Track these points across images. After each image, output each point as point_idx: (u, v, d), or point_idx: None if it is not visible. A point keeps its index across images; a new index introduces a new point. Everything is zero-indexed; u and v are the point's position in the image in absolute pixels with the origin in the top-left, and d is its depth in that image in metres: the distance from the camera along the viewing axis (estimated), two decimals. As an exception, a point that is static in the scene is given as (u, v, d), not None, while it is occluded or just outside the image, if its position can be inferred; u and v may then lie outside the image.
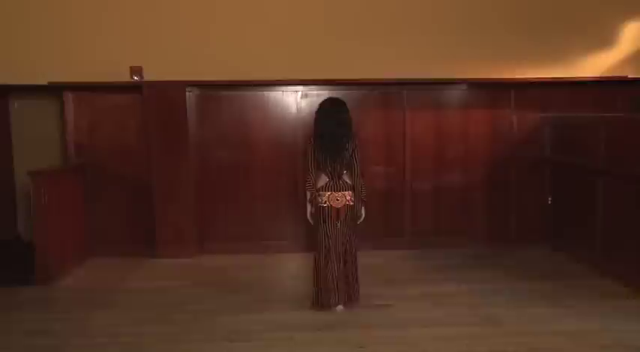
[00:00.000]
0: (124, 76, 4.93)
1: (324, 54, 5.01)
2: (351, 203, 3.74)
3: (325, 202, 3.72)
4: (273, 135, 5.26)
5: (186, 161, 5.11)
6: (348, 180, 3.75)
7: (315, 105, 5.37)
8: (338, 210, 3.72)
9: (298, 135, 5.22)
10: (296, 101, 5.26)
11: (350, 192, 3.73)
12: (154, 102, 5.02)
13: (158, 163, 5.08)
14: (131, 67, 4.93)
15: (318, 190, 3.75)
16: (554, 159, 5.23)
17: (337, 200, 3.71)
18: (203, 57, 4.96)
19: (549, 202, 5.30)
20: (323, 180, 3.74)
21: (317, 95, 5.19)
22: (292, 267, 4.91)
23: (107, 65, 4.87)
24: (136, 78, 4.94)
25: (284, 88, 5.22)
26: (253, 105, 5.24)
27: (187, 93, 5.09)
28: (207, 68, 4.94)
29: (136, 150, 5.15)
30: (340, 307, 3.77)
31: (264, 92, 5.23)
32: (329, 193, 3.71)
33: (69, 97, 5.10)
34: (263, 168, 5.28)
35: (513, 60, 5.13)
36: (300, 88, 5.23)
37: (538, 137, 5.33)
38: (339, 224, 3.73)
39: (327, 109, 3.73)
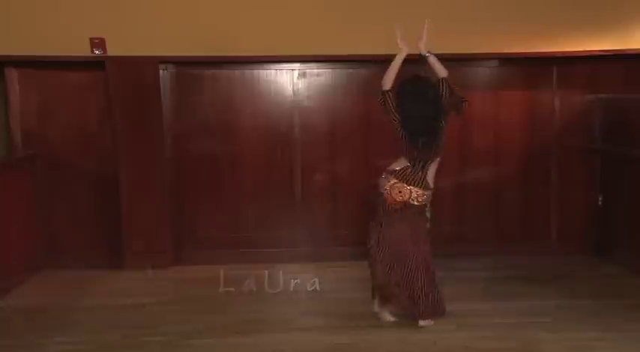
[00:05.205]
0: (82, 50, 4.84)
1: (326, 25, 4.94)
2: (416, 203, 3.71)
3: (386, 189, 3.72)
4: (265, 122, 5.26)
5: (160, 153, 5.09)
6: (428, 178, 3.73)
7: (315, 86, 5.35)
8: (395, 204, 3.72)
9: (294, 123, 5.22)
10: (292, 81, 5.25)
11: (421, 191, 3.70)
12: (120, 82, 4.98)
13: (125, 155, 5.05)
14: (91, 39, 4.84)
15: (386, 171, 3.78)
16: (606, 149, 5.19)
17: (399, 192, 3.70)
18: (180, 27, 4.88)
19: (599, 202, 5.25)
20: (401, 163, 3.75)
21: (317, 74, 5.22)
22: (287, 281, 4.78)
23: (61, 35, 4.79)
24: (97, 52, 4.87)
25: (278, 65, 5.21)
26: (241, 86, 5.23)
27: (161, 71, 5.07)
28: (186, 41, 4.87)
29: (97, 138, 5.12)
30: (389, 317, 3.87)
31: (254, 70, 5.21)
32: (394, 181, 3.70)
33: (13, 74, 5.05)
34: (252, 161, 5.27)
35: (555, 29, 5.03)
36: (297, 65, 5.22)
37: (586, 123, 5.31)
38: (396, 221, 3.73)
39: (412, 88, 3.74)
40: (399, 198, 3.70)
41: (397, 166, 3.75)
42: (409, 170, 3.71)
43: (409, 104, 3.70)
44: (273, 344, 3.60)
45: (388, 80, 3.79)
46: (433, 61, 3.75)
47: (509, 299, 4.27)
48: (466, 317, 3.92)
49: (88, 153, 5.14)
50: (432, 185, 3.76)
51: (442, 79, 3.71)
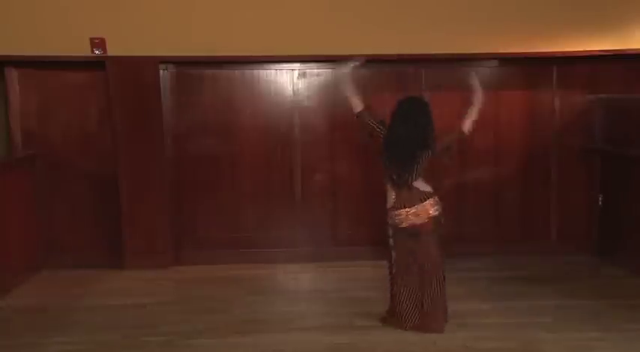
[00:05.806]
0: (82, 50, 4.84)
1: (326, 25, 4.95)
2: (437, 213, 3.68)
3: (403, 222, 3.66)
4: (265, 122, 5.25)
5: (160, 152, 5.08)
6: (422, 187, 3.69)
7: (315, 86, 5.36)
8: (422, 225, 3.66)
9: (294, 123, 5.22)
10: (292, 81, 5.25)
11: (431, 200, 3.66)
12: (120, 82, 4.97)
13: (125, 155, 5.04)
14: (91, 39, 4.84)
15: (390, 209, 3.71)
16: (606, 149, 5.18)
17: (418, 215, 3.65)
18: (180, 27, 4.88)
19: (599, 202, 5.24)
20: (390, 195, 3.71)
21: (317, 74, 5.23)
22: (287, 281, 4.87)
23: (61, 35, 4.79)
24: (97, 52, 4.87)
25: (278, 65, 5.21)
26: (241, 86, 5.22)
27: (161, 71, 5.07)
28: (186, 41, 4.87)
29: (98, 138, 5.13)
30: None
31: (254, 70, 5.21)
32: (405, 211, 3.65)
33: (13, 74, 5.06)
34: (252, 161, 5.27)
35: (555, 29, 5.04)
36: (297, 65, 5.22)
37: (586, 123, 5.31)
38: (422, 239, 3.69)
39: (406, 109, 3.71)
40: (421, 221, 3.65)
41: (392, 199, 3.71)
42: (404, 194, 3.66)
43: (398, 121, 3.68)
44: (273, 344, 3.59)
45: (354, 105, 3.79)
46: (478, 96, 3.80)
47: (509, 299, 4.26)
48: (466, 317, 3.92)
49: (88, 153, 5.13)
50: (430, 189, 3.71)
51: (462, 133, 3.73)
